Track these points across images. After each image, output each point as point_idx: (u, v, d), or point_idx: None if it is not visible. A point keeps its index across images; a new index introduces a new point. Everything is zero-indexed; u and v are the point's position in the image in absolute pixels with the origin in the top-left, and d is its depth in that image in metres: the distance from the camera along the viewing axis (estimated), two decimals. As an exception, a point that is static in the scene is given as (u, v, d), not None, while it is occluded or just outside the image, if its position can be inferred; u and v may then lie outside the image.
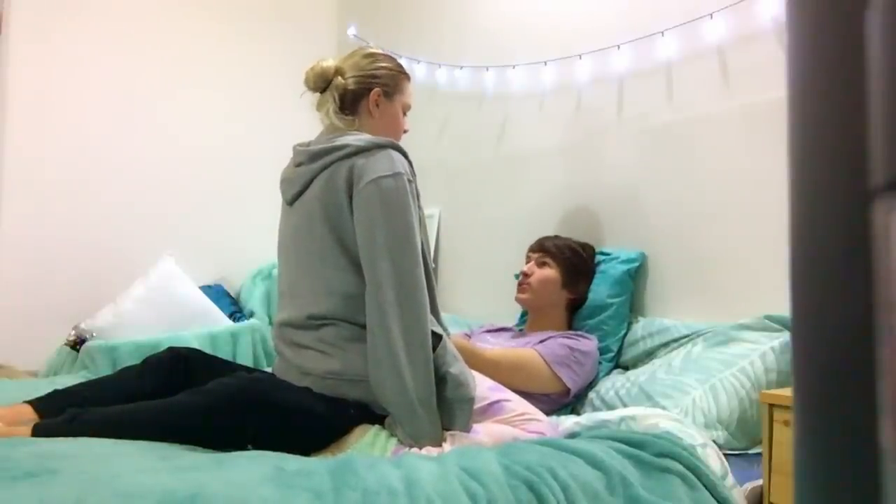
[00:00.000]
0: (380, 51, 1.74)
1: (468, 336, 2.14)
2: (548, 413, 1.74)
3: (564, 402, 1.85)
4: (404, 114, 1.72)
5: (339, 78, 1.63)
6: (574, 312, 2.08)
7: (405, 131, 1.73)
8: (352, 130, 1.60)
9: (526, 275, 2.05)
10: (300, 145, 1.66)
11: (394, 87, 1.68)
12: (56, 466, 1.01)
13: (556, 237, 2.13)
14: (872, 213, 0.33)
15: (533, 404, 1.64)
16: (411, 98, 1.73)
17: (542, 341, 1.89)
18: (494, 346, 1.95)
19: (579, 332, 1.97)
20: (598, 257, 2.14)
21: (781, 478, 1.33)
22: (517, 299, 2.08)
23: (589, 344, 1.90)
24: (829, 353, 0.37)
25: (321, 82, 1.63)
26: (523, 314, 2.28)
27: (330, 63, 1.64)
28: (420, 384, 1.41)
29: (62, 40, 2.65)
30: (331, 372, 1.46)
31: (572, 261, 2.05)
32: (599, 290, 2.05)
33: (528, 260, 2.10)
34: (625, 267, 2.06)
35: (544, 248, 2.07)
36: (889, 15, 0.32)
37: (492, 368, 1.68)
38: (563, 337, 1.91)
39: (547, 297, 2.03)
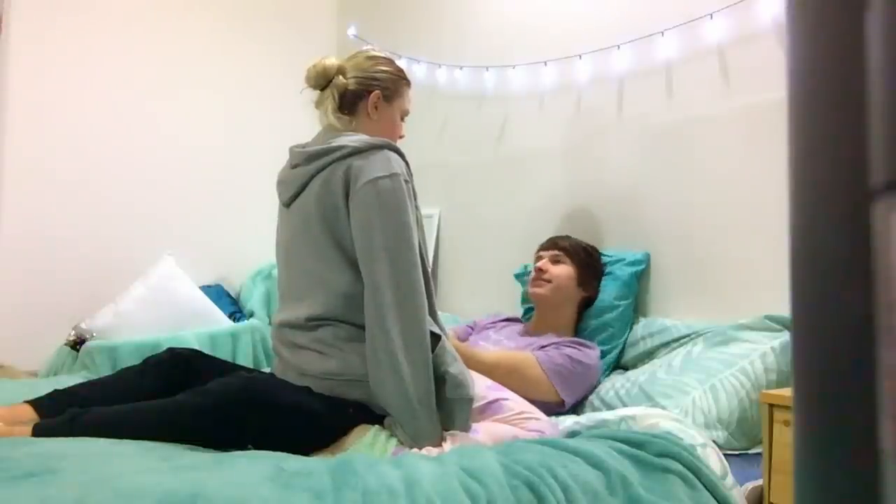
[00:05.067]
0: (383, 54, 1.74)
1: (471, 329, 2.13)
2: (546, 413, 1.73)
3: (559, 411, 1.82)
4: (402, 119, 1.72)
5: (341, 77, 1.63)
6: (583, 313, 2.07)
7: (401, 137, 1.73)
8: (348, 131, 1.60)
9: (541, 270, 2.02)
10: (296, 147, 1.66)
11: (394, 92, 1.68)
12: (56, 466, 1.01)
13: (568, 237, 2.11)
14: (872, 213, 0.33)
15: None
16: (410, 105, 1.74)
17: (543, 347, 1.86)
18: (496, 346, 1.94)
19: (583, 342, 1.92)
20: (604, 259, 2.13)
21: (781, 478, 1.33)
22: (532, 294, 2.03)
23: (592, 355, 1.86)
24: (829, 353, 0.37)
25: (322, 80, 1.64)
26: (526, 311, 2.26)
27: (332, 61, 1.64)
28: (419, 384, 1.41)
29: (62, 40, 2.65)
30: (329, 372, 1.47)
31: (586, 260, 2.04)
32: (607, 292, 2.04)
33: (540, 258, 2.07)
34: (632, 269, 2.05)
35: (558, 246, 2.05)
36: (889, 15, 0.32)
37: (487, 372, 1.66)
38: (566, 346, 1.86)
39: (564, 292, 2.00)
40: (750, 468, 1.46)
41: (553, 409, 1.80)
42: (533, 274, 2.05)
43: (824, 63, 0.38)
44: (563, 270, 2.01)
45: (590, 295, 2.05)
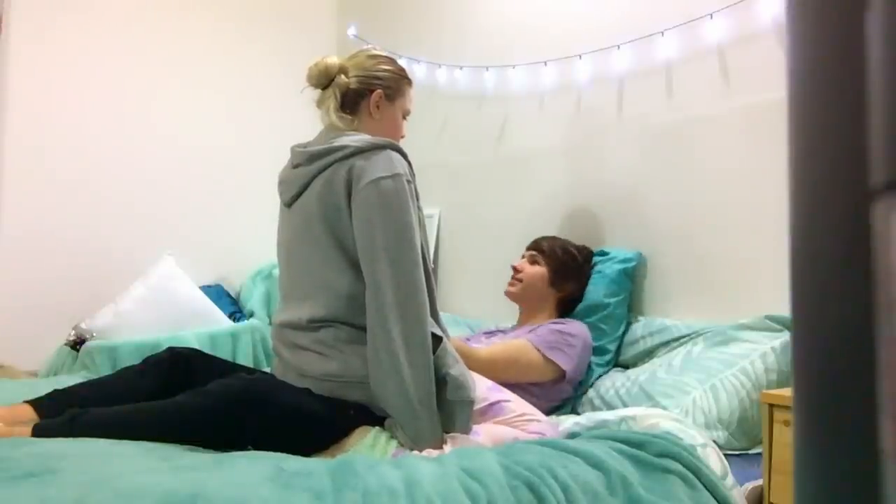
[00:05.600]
0: (384, 53, 1.74)
1: (468, 340, 2.15)
2: (548, 412, 1.74)
3: (563, 389, 1.85)
4: (404, 118, 1.72)
5: (342, 76, 1.63)
6: (565, 312, 2.09)
7: (402, 136, 1.73)
8: (350, 131, 1.60)
9: (516, 269, 2.08)
10: (298, 146, 1.66)
11: (396, 91, 1.68)
12: (56, 466, 1.01)
13: (554, 238, 2.14)
14: (872, 213, 0.33)
15: (534, 400, 1.64)
16: (412, 104, 1.74)
17: (531, 331, 1.91)
18: (488, 345, 1.96)
19: (565, 319, 2.00)
20: (596, 258, 2.14)
21: (781, 478, 1.33)
22: (506, 292, 2.10)
23: (578, 326, 1.92)
24: (829, 353, 0.37)
25: (324, 79, 1.63)
26: (521, 314, 2.28)
27: (334, 60, 1.64)
28: (420, 385, 1.41)
29: (62, 40, 2.65)
30: (329, 374, 1.46)
31: (563, 260, 2.07)
32: (596, 290, 2.05)
33: (523, 257, 2.12)
34: (621, 267, 2.06)
35: (538, 247, 2.10)
36: (889, 15, 0.32)
37: (488, 367, 1.68)
38: (552, 323, 1.93)
39: (533, 292, 2.05)
40: (750, 468, 1.46)
41: (557, 390, 1.84)
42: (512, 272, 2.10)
43: (824, 63, 0.38)
44: (536, 271, 2.06)
45: (565, 295, 2.07)
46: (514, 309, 2.34)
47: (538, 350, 1.82)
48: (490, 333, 2.15)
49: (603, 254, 2.14)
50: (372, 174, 1.48)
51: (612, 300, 2.03)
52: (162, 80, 2.87)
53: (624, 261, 2.07)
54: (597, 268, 2.11)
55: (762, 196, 1.83)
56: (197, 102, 2.96)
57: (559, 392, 1.85)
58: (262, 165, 2.62)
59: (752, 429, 1.56)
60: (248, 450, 1.24)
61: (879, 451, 0.32)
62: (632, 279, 2.08)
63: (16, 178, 2.55)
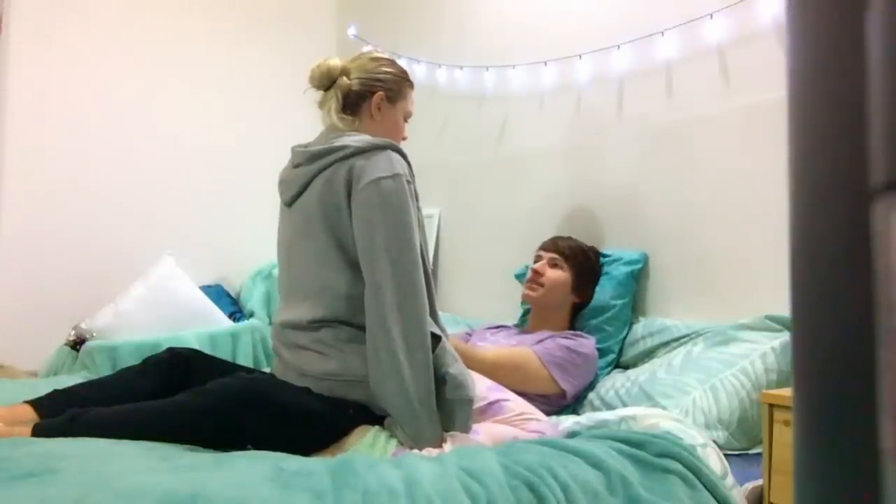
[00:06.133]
0: (386, 55, 1.74)
1: (469, 335, 2.14)
2: (547, 413, 1.73)
3: (563, 403, 1.84)
4: (405, 121, 1.73)
5: (344, 78, 1.64)
6: (576, 315, 2.08)
7: (404, 138, 1.73)
8: (351, 131, 1.61)
9: (538, 273, 2.02)
10: (299, 146, 1.66)
11: (397, 93, 1.68)
12: (56, 466, 1.01)
13: (570, 238, 2.10)
14: (872, 213, 0.33)
15: (534, 403, 1.64)
16: (413, 106, 1.74)
17: (540, 341, 1.88)
18: (493, 345, 1.94)
19: (578, 333, 1.96)
20: (602, 259, 2.13)
21: (781, 478, 1.33)
22: (525, 296, 2.05)
23: (588, 345, 1.89)
24: (829, 353, 0.37)
25: (326, 80, 1.64)
26: (524, 312, 2.27)
27: (336, 62, 1.65)
28: (420, 385, 1.41)
29: (62, 40, 2.65)
30: (328, 373, 1.47)
31: (584, 265, 2.04)
32: (603, 292, 2.04)
33: (539, 258, 2.07)
34: (628, 269, 2.05)
35: (558, 249, 2.05)
36: (889, 15, 0.32)
37: (492, 369, 1.68)
38: (562, 338, 1.89)
39: (556, 298, 2.02)
40: (750, 468, 1.46)
41: (556, 401, 1.82)
42: (529, 275, 2.05)
43: (824, 63, 0.38)
44: (559, 276, 2.01)
45: (583, 300, 2.06)
46: (514, 309, 2.34)
47: (542, 363, 1.79)
48: (495, 329, 2.13)
49: (605, 255, 2.13)
50: (372, 174, 1.48)
51: (619, 302, 2.02)
52: (162, 80, 2.88)
53: (630, 262, 2.06)
54: (604, 270, 2.10)
55: (762, 196, 1.83)
56: (197, 102, 2.96)
57: (558, 401, 1.84)
58: (262, 165, 2.62)
59: (752, 429, 1.56)
60: (248, 449, 1.24)
61: (879, 451, 0.32)
62: (637, 281, 2.08)
63: (16, 178, 2.55)
